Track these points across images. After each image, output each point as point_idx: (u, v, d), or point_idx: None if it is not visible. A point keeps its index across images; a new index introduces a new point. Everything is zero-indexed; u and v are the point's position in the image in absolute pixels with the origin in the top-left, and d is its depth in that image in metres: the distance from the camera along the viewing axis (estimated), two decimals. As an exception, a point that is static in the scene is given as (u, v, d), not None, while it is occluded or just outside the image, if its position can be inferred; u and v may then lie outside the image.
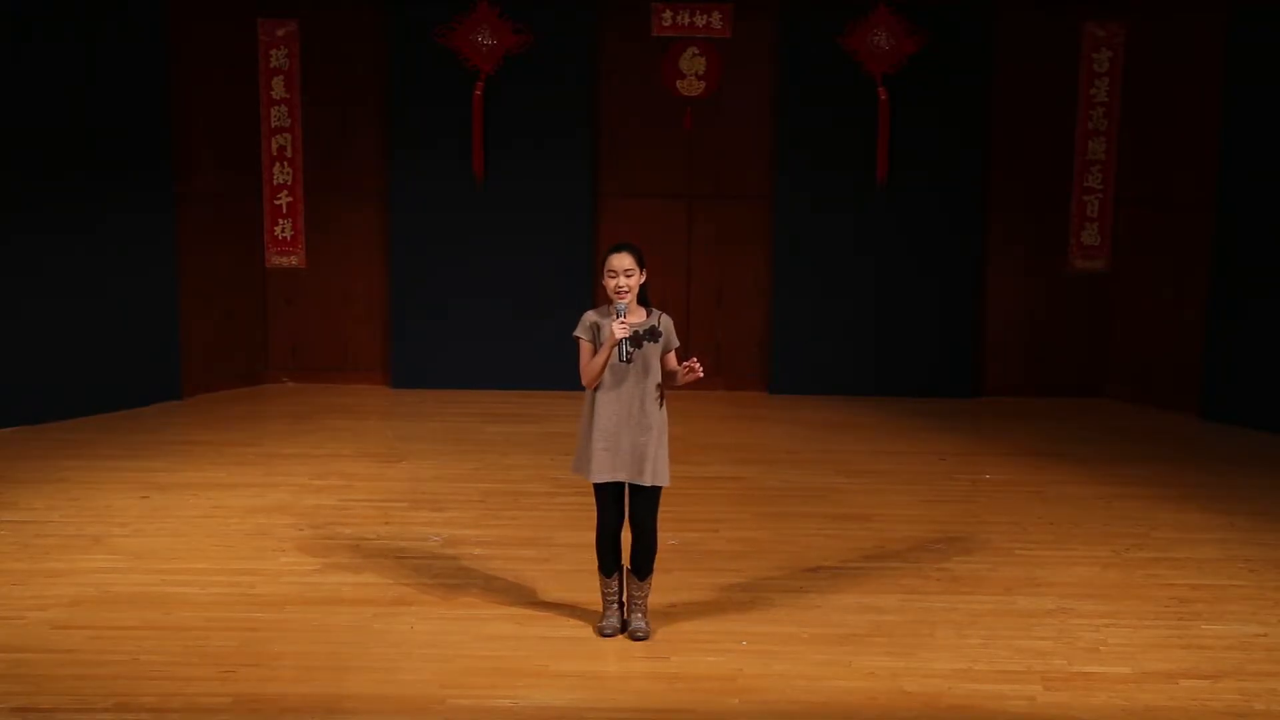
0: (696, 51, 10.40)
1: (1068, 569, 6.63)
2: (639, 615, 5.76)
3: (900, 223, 10.46)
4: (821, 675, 5.37)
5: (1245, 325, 9.62)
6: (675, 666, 5.44)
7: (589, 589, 6.19)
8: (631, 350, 5.50)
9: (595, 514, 5.73)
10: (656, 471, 5.60)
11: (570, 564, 6.55)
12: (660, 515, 5.75)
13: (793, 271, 10.58)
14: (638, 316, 5.60)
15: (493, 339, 10.62)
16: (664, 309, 5.81)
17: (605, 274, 5.55)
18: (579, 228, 10.57)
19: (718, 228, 10.62)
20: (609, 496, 5.68)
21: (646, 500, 5.67)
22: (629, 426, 5.56)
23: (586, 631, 5.77)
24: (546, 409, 10.01)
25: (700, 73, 10.42)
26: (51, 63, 9.11)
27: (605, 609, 5.81)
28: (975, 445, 9.23)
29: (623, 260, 5.53)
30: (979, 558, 6.79)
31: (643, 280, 5.60)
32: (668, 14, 10.37)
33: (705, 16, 10.35)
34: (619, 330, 5.45)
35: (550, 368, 10.44)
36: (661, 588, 6.04)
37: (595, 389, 5.60)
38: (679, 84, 10.44)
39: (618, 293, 5.50)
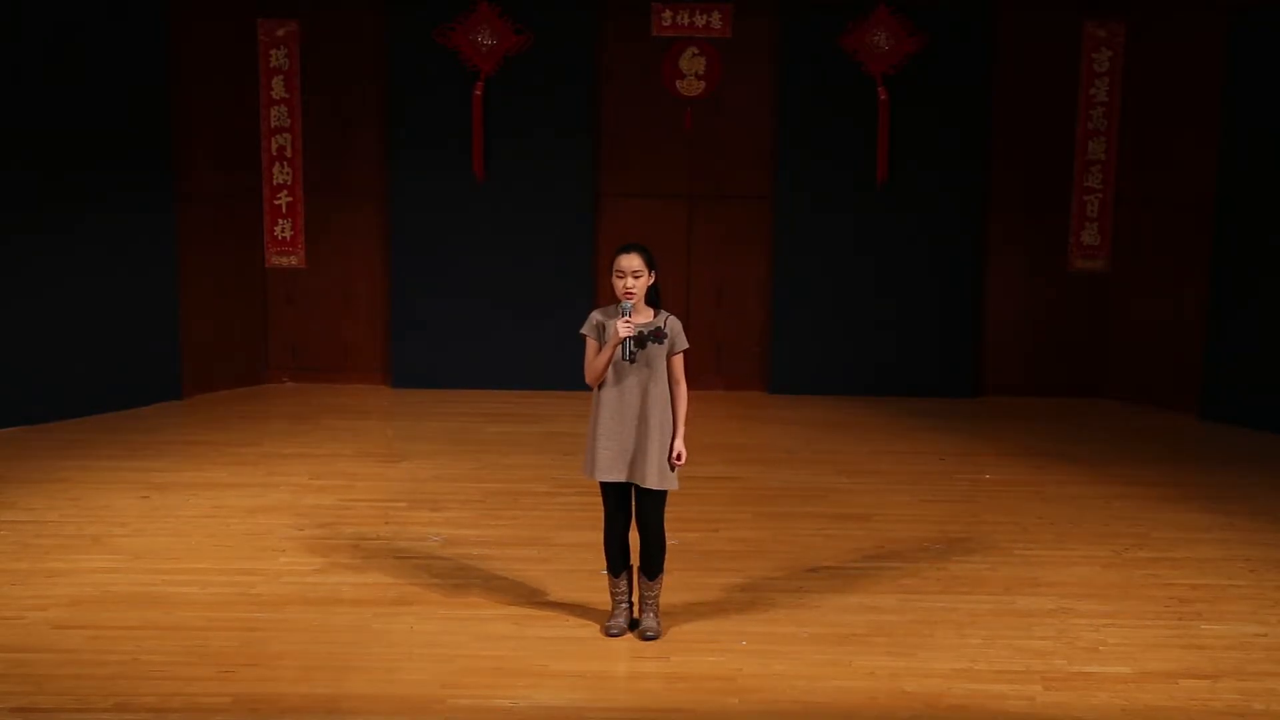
0: (696, 51, 10.40)
1: (1068, 569, 6.63)
2: (650, 615, 5.75)
3: (900, 223, 10.46)
4: (821, 675, 5.37)
5: (1245, 325, 9.62)
6: (675, 666, 5.44)
7: (589, 589, 6.19)
8: (635, 350, 5.50)
9: (599, 514, 5.73)
10: (662, 475, 5.57)
11: (570, 564, 6.55)
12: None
13: (793, 271, 10.58)
14: (644, 317, 5.59)
15: (493, 339, 10.62)
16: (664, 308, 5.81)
17: (614, 274, 5.53)
18: (579, 228, 10.57)
19: (718, 228, 10.63)
20: (614, 497, 5.66)
21: (652, 502, 5.64)
22: (630, 426, 5.55)
23: (586, 631, 5.76)
24: (546, 409, 10.01)
25: (700, 73, 10.42)
26: (51, 63, 9.11)
27: (614, 608, 5.79)
28: (975, 445, 9.23)
29: (631, 261, 5.50)
30: (979, 558, 6.78)
31: (651, 282, 5.57)
32: (668, 14, 10.37)
33: (705, 16, 10.35)
34: (623, 329, 5.45)
35: (550, 368, 10.45)
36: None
37: (599, 388, 5.60)
38: (679, 84, 10.44)
39: (625, 293, 5.50)
